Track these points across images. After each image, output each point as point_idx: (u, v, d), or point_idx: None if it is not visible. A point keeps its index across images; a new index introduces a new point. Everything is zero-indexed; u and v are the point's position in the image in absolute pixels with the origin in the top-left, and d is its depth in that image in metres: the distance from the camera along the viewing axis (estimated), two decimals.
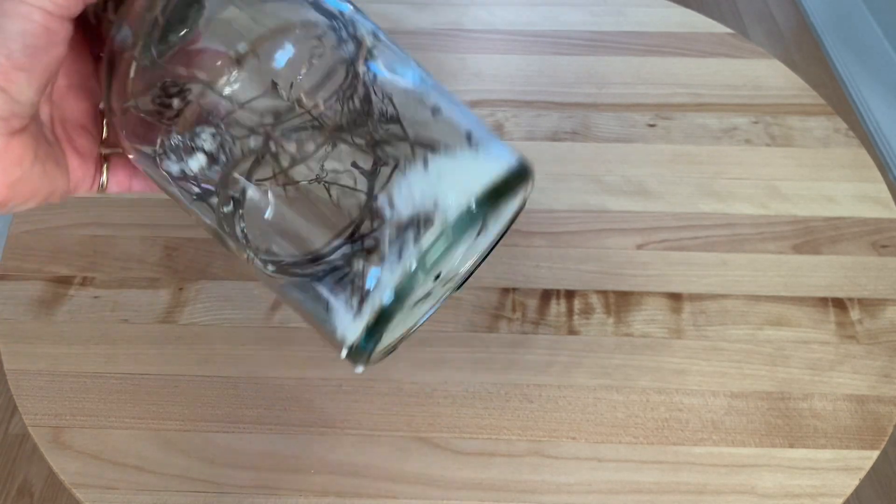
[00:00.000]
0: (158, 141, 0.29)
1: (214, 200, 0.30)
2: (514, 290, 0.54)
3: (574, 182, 0.61)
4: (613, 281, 0.54)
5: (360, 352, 0.30)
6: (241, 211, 0.30)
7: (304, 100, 0.29)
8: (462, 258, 0.32)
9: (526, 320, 0.52)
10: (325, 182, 0.29)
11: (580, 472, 0.45)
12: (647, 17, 0.75)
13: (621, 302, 0.53)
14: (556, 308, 0.53)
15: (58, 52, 0.27)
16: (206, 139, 0.28)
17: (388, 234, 0.28)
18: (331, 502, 0.44)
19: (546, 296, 0.53)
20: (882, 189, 0.60)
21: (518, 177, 0.31)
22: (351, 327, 0.29)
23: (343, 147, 0.29)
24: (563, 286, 0.54)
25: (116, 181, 0.32)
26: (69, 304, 0.53)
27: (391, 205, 0.29)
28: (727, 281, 0.54)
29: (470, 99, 0.67)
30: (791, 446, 0.46)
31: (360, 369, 0.31)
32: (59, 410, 0.47)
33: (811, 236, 0.57)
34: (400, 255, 0.28)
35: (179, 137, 0.28)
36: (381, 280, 0.28)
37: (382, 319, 0.29)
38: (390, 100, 0.31)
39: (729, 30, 0.74)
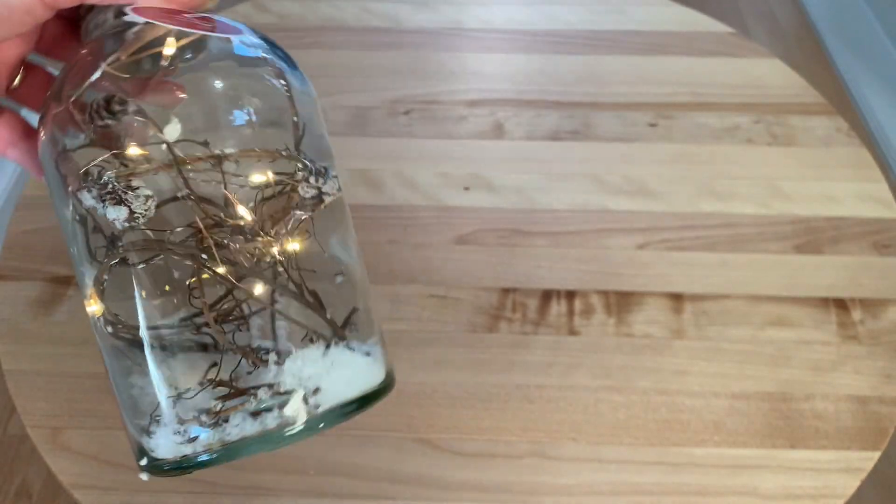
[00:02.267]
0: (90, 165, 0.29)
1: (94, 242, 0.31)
2: (515, 290, 0.53)
3: (574, 182, 0.61)
4: (614, 281, 0.54)
5: (157, 470, 0.30)
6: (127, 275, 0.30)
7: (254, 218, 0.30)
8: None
9: (526, 321, 0.52)
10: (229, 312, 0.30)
11: (581, 474, 0.45)
12: (647, 15, 0.75)
13: (622, 302, 0.53)
14: (557, 308, 0.52)
15: (21, 29, 0.28)
16: (141, 199, 0.28)
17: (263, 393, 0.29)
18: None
19: (546, 296, 0.53)
20: (883, 189, 0.60)
21: (384, 391, 0.33)
22: (172, 449, 0.29)
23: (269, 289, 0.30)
24: (564, 286, 0.54)
25: None
26: (68, 305, 0.53)
27: (279, 367, 0.29)
28: (728, 281, 0.54)
29: (470, 98, 0.67)
30: (792, 447, 0.46)
31: (144, 476, 0.31)
32: (58, 411, 0.47)
33: (813, 236, 0.57)
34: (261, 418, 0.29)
35: (115, 183, 0.28)
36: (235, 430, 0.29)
37: (204, 464, 0.29)
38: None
39: (730, 29, 0.74)
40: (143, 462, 0.30)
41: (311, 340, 0.30)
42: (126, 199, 0.28)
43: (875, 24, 1.62)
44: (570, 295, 0.53)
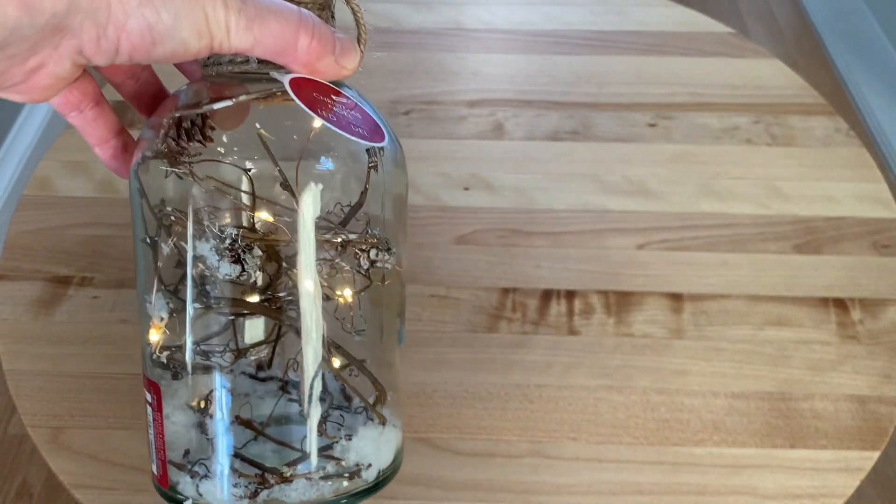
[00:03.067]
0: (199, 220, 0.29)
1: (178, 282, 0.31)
2: (514, 290, 0.53)
3: (574, 182, 0.61)
4: (614, 281, 0.54)
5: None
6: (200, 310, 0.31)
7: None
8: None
9: (526, 321, 0.52)
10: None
11: (580, 473, 0.45)
12: (647, 16, 0.75)
13: (622, 302, 0.53)
14: (557, 308, 0.52)
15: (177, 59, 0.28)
16: (256, 259, 0.29)
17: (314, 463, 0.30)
18: None
19: (546, 296, 0.53)
20: (883, 189, 0.60)
21: (398, 468, 0.35)
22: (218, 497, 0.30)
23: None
24: (564, 286, 0.54)
25: (65, 97, 0.31)
26: (68, 305, 0.53)
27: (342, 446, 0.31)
28: (728, 281, 0.54)
29: (470, 98, 0.67)
30: (792, 447, 0.46)
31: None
32: (58, 411, 0.47)
33: (812, 236, 0.57)
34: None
35: (239, 242, 0.29)
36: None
37: None
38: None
39: (729, 29, 0.74)
40: (188, 503, 0.31)
41: (371, 420, 0.32)
42: (244, 259, 0.29)
43: (875, 24, 1.62)
44: (570, 295, 0.53)
